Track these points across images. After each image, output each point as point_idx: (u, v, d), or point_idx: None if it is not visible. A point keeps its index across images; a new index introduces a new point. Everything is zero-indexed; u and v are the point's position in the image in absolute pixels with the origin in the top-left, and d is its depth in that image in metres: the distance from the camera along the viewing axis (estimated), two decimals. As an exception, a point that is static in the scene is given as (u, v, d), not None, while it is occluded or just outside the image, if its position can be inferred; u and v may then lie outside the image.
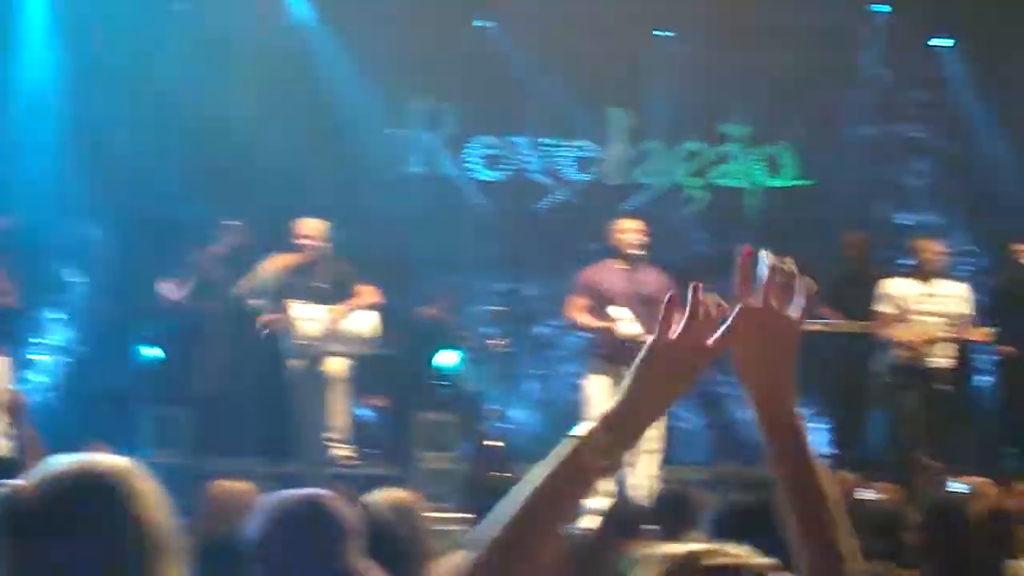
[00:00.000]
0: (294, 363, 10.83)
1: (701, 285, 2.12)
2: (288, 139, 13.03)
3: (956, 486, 6.28)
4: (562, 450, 2.05)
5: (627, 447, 2.06)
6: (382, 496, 4.98)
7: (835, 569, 2.15)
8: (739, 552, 2.02)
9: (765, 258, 2.13)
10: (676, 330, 2.09)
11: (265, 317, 10.79)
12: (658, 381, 2.10)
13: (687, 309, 2.09)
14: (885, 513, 6.02)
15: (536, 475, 2.05)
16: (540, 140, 14.34)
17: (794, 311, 2.13)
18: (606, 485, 9.88)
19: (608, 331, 9.92)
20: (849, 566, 2.17)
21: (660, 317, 2.10)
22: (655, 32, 14.08)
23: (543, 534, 2.04)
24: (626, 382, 2.09)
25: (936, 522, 5.39)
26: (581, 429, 2.06)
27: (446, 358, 11.79)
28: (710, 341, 2.10)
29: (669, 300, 2.10)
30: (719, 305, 2.11)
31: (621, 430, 2.05)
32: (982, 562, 5.34)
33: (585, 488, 2.05)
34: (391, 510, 4.85)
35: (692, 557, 1.98)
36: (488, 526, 2.04)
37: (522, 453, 12.47)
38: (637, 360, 2.10)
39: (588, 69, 13.73)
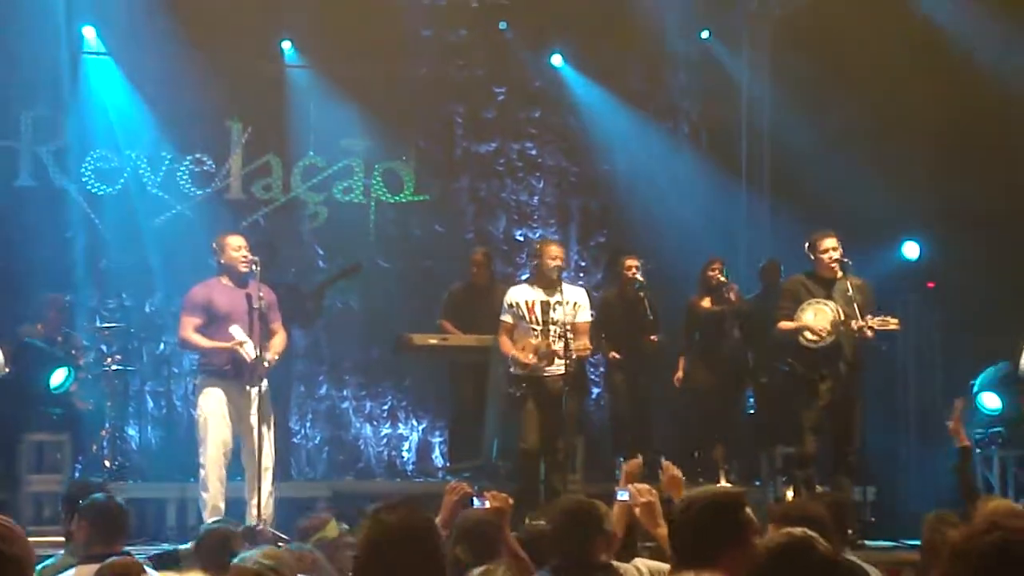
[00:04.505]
0: None
1: None
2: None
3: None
4: None
5: None
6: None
7: None
8: None
9: None
10: None
11: None
12: None
13: None
14: (487, 521, 6.12)
15: None
16: (159, 153, 13.92)
17: None
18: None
19: (229, 350, 9.81)
20: None
21: None
22: (281, 46, 13.99)
23: None
24: None
25: (563, 526, 5.55)
26: None
27: (55, 377, 11.37)
28: None
29: None
30: None
31: None
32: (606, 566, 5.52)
33: None
34: None
35: None
36: None
37: (140, 471, 12.22)
38: None
39: (207, 81, 13.52)
